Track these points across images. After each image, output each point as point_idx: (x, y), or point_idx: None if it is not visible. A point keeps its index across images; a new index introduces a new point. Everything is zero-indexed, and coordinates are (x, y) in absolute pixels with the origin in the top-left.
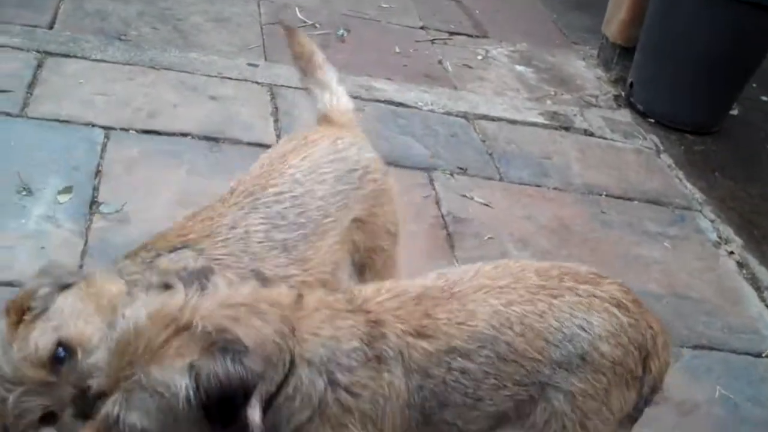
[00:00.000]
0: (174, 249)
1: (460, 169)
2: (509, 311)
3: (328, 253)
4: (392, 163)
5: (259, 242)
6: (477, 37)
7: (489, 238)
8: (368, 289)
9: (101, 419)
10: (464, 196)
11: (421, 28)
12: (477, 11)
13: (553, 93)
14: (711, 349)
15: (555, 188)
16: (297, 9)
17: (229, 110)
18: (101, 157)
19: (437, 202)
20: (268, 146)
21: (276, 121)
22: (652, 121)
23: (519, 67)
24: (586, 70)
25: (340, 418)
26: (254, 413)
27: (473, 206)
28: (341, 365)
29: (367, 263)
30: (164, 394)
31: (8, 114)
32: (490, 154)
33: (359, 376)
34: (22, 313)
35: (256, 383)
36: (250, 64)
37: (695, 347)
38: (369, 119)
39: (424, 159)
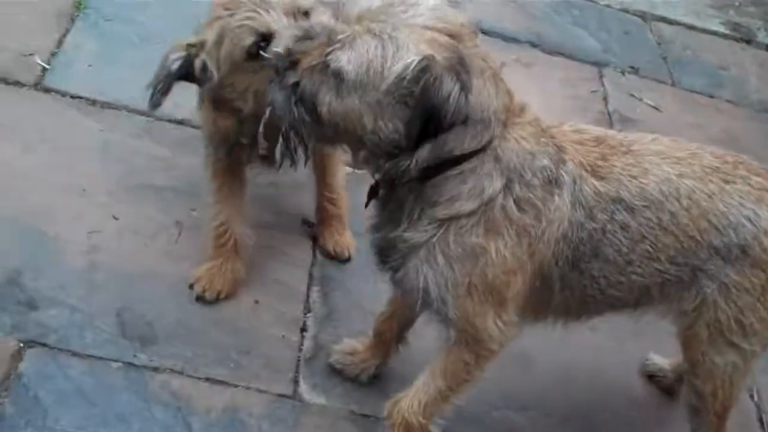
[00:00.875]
0: None
1: (632, 68)
2: (680, 182)
3: None
4: (562, 53)
5: None
6: None
7: None
8: (548, 120)
9: (325, 34)
10: (633, 96)
11: None
12: None
13: (737, 3)
14: None
15: (728, 101)
16: None
17: None
18: None
19: (605, 99)
20: None
21: None
22: None
23: None
24: None
25: (498, 224)
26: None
27: (641, 107)
28: (523, 179)
29: None
30: (389, 52)
31: None
32: (664, 58)
33: (534, 195)
34: None
35: (459, 122)
36: None
37: None
38: (542, 7)
39: (596, 53)
